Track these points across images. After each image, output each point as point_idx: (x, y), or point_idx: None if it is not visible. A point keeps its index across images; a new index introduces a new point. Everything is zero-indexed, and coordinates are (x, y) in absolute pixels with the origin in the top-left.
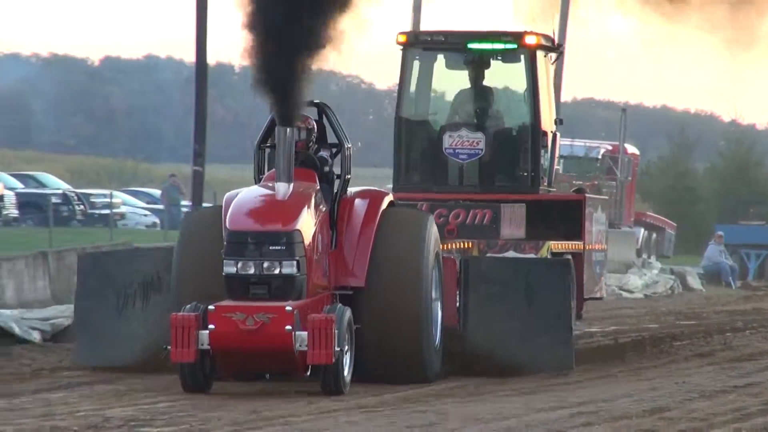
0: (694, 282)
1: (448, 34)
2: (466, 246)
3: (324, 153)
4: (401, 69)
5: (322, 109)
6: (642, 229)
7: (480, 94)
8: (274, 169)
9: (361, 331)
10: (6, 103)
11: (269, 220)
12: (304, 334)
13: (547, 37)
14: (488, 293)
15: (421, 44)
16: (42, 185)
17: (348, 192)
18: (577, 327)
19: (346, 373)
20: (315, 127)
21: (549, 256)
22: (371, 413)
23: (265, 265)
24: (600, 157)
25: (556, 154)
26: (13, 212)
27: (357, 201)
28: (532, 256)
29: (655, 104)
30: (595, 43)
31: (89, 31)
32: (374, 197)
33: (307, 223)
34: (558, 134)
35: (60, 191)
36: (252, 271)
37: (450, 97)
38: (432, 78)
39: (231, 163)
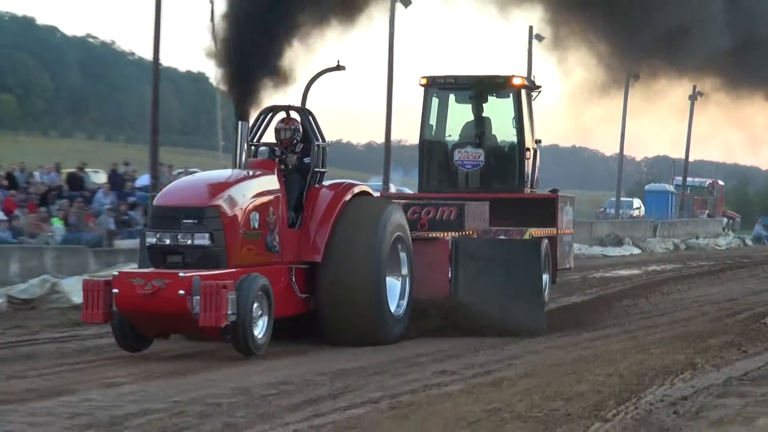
0: (749, 242)
1: (457, 77)
2: (467, 234)
3: (305, 151)
4: (423, 104)
5: (305, 113)
6: (725, 218)
7: (480, 121)
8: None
9: (321, 300)
10: None
11: (188, 197)
12: (198, 298)
13: (528, 79)
14: (475, 268)
15: (437, 85)
16: None
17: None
18: (552, 290)
19: (260, 336)
20: (299, 127)
21: (530, 238)
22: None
23: (179, 236)
24: (707, 185)
25: (537, 165)
26: None
27: (324, 190)
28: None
29: (747, 163)
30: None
31: None
32: (342, 187)
33: (233, 201)
34: (538, 150)
35: None
36: (168, 242)
37: (459, 123)
38: (447, 110)
39: None
